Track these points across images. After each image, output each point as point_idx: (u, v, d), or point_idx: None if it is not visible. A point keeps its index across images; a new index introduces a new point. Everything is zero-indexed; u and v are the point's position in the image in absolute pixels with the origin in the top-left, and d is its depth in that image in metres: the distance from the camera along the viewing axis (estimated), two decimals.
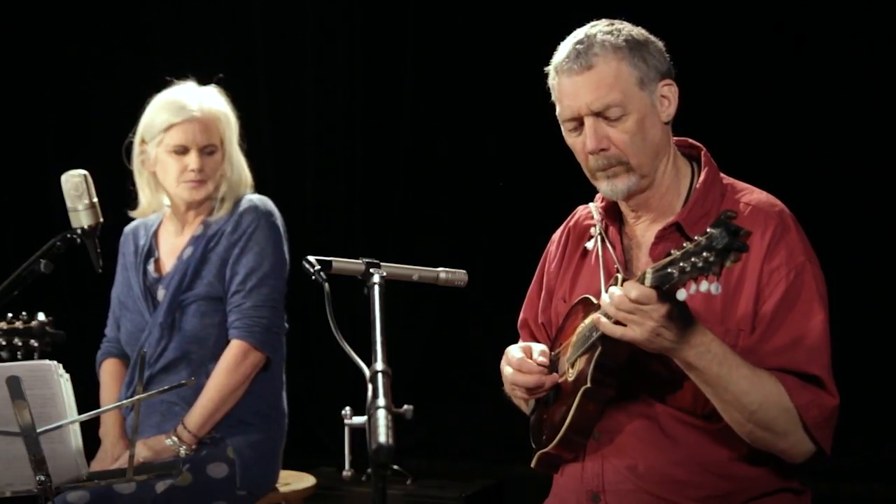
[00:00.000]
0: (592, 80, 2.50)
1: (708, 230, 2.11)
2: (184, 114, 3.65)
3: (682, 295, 2.16)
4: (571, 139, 2.59)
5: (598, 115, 2.51)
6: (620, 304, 2.28)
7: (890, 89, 4.64)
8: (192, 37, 5.72)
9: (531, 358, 2.63)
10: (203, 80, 3.77)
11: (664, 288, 2.22)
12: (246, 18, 5.74)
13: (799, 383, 2.41)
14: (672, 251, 2.20)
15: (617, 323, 2.32)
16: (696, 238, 2.14)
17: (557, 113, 2.60)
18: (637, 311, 2.27)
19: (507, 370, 2.66)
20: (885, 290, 4.69)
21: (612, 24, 2.56)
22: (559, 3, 4.94)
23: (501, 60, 5.30)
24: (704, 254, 2.10)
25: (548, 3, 5.04)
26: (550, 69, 2.60)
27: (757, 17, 4.80)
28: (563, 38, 2.60)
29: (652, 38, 2.59)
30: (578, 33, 2.57)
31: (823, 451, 2.44)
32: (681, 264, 2.15)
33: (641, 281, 2.27)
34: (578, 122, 2.54)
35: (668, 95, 2.56)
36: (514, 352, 2.66)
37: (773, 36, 4.77)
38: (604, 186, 2.58)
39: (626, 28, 2.57)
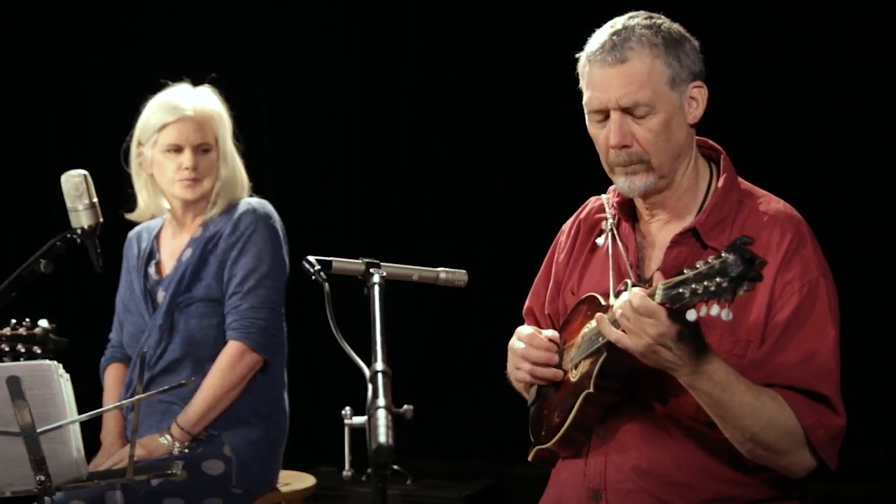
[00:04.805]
0: (624, 75, 2.47)
1: (722, 254, 2.09)
2: (177, 113, 3.68)
3: (692, 315, 2.14)
4: (595, 130, 2.55)
5: (625, 110, 2.48)
6: (624, 310, 2.28)
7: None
8: (192, 37, 5.72)
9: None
10: (202, 81, 3.78)
11: (674, 307, 2.21)
12: (246, 18, 5.74)
13: (806, 402, 2.39)
14: (685, 270, 2.17)
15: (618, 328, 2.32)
16: (709, 260, 2.12)
17: (584, 101, 2.56)
18: (636, 322, 2.26)
19: (516, 344, 2.64)
20: (886, 289, 4.69)
21: (651, 18, 2.52)
22: (559, 3, 4.95)
23: (501, 60, 5.30)
24: (718, 279, 2.08)
25: (547, 4, 5.05)
26: (582, 56, 2.55)
27: (766, 19, 4.80)
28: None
29: (689, 36, 2.55)
30: (616, 23, 2.52)
31: (829, 468, 2.43)
32: (693, 286, 2.13)
33: (651, 296, 2.25)
34: (604, 115, 2.51)
35: (696, 97, 2.54)
36: (524, 328, 2.66)
37: (793, 38, 4.76)
38: (621, 182, 2.55)
39: (665, 23, 2.53)
